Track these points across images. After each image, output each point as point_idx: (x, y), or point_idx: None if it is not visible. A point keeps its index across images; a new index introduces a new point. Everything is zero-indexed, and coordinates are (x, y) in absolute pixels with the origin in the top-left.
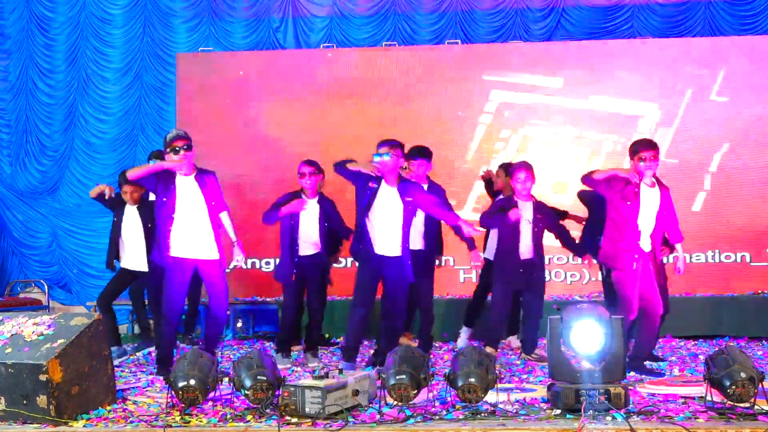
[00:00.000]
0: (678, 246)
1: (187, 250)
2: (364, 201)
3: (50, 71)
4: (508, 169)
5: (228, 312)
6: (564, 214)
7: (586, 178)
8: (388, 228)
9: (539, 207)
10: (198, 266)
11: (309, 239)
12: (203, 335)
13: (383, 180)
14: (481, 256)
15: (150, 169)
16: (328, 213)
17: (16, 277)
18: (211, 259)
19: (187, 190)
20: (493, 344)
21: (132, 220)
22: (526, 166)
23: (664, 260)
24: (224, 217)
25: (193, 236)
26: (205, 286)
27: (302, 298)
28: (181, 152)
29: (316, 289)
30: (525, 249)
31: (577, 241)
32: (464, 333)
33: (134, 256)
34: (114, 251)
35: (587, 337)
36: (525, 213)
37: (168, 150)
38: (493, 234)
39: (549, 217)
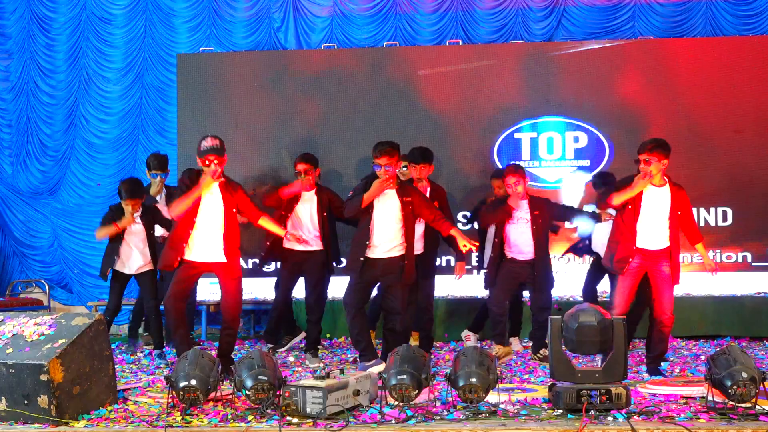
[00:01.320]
0: (698, 247)
1: (200, 254)
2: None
3: (51, 71)
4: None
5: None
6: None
7: (603, 203)
8: (388, 229)
9: (535, 204)
10: (212, 269)
11: (309, 233)
12: (204, 336)
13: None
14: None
15: (192, 201)
16: (328, 201)
17: (17, 277)
18: (221, 263)
19: (210, 197)
20: (500, 339)
21: (135, 228)
22: (514, 169)
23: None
24: (264, 221)
25: (208, 241)
26: (221, 292)
27: (291, 293)
28: (213, 167)
29: (313, 287)
30: (526, 249)
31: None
32: (473, 338)
33: (136, 263)
34: (111, 261)
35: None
36: (521, 213)
37: (202, 160)
38: (488, 244)
39: (548, 209)
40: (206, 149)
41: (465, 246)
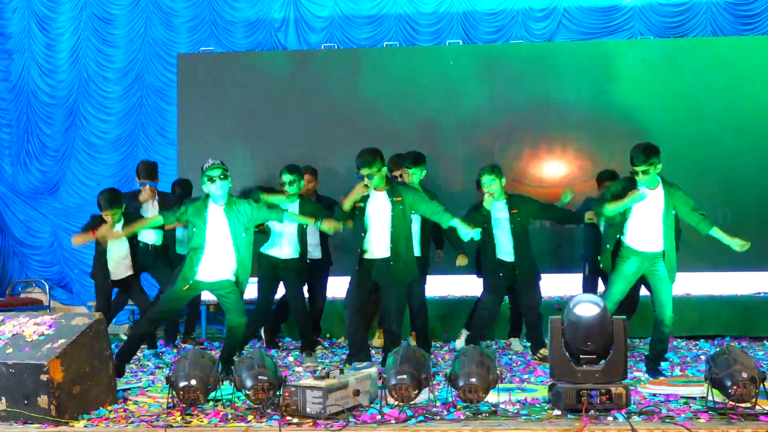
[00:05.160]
0: (713, 232)
1: (205, 275)
2: (361, 216)
3: (51, 71)
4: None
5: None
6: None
7: (598, 214)
8: (379, 231)
9: (513, 202)
10: (212, 289)
11: (288, 242)
12: (204, 336)
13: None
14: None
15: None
16: (310, 214)
17: (17, 277)
18: (225, 280)
19: (216, 220)
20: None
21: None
22: (490, 169)
23: None
24: (289, 217)
25: (215, 263)
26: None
27: (273, 297)
28: (218, 182)
29: (293, 292)
30: (504, 251)
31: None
32: (464, 335)
33: (119, 268)
34: (103, 268)
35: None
36: (499, 213)
37: (205, 179)
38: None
39: (528, 206)
40: (209, 167)
41: (468, 234)
